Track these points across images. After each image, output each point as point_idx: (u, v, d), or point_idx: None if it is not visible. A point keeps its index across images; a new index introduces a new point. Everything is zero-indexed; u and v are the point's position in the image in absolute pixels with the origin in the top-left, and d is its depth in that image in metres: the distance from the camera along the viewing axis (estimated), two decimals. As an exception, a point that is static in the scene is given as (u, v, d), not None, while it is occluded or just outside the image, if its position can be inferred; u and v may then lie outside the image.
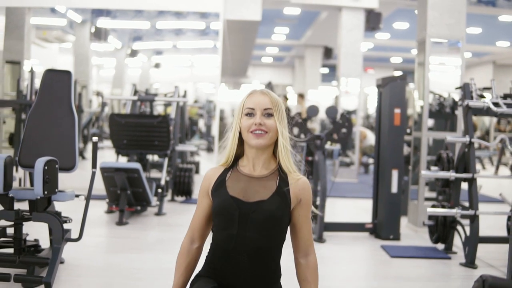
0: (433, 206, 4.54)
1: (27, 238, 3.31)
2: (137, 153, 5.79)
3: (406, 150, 6.58)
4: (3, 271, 2.98)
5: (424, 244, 4.73)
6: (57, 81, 3.43)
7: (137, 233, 4.83)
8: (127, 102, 6.45)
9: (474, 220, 4.11)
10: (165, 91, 7.11)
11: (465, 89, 4.40)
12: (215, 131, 8.99)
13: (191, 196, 6.44)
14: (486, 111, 4.33)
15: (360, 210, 6.47)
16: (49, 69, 3.48)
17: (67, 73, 3.45)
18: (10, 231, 3.20)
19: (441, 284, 3.79)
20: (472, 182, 4.21)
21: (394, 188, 4.91)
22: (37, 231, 3.84)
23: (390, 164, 4.92)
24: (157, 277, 3.50)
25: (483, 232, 4.22)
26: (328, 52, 14.88)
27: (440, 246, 4.62)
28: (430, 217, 4.55)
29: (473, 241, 4.06)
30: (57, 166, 3.10)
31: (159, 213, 5.60)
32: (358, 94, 9.88)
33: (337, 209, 6.51)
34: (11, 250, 3.18)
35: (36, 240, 3.49)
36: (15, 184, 3.36)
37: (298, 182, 1.91)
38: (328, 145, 6.16)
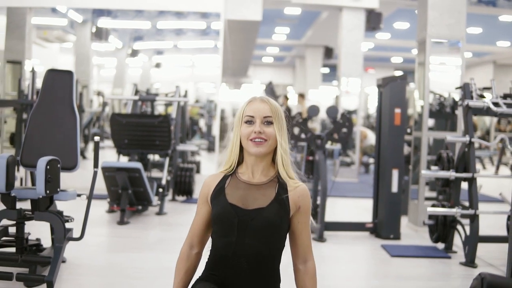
0: (433, 205, 4.55)
1: (29, 237, 3.32)
2: (138, 152, 5.80)
3: (406, 149, 6.60)
4: (5, 270, 2.99)
5: (424, 243, 4.74)
6: (59, 81, 3.45)
7: (138, 233, 4.84)
8: (128, 102, 6.46)
9: (474, 219, 4.12)
10: (166, 91, 7.12)
11: (465, 89, 4.41)
12: (216, 131, 9.01)
13: (192, 196, 6.46)
14: (486, 111, 4.34)
15: (360, 209, 6.48)
16: (51, 69, 3.50)
17: (69, 73, 3.46)
18: (12, 230, 3.22)
19: (441, 283, 3.81)
20: (472, 181, 4.22)
21: (395, 188, 4.92)
22: (38, 231, 3.86)
23: (390, 164, 4.93)
24: (158, 277, 3.51)
25: (483, 231, 4.23)
26: (328, 52, 14.89)
27: (440, 245, 4.63)
28: (430, 217, 4.56)
29: (473, 240, 4.07)
30: (59, 165, 3.12)
31: (160, 212, 5.61)
32: (358, 94, 9.90)
33: (338, 209, 6.52)
34: (13, 249, 3.19)
35: (38, 239, 3.50)
36: (16, 183, 3.37)
37: (297, 189, 1.90)
38: (328, 145, 6.17)
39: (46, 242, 3.56)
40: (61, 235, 3.09)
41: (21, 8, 7.25)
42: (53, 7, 8.28)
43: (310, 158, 5.21)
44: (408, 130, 6.69)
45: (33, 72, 6.12)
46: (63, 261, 3.59)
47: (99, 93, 10.20)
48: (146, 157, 5.97)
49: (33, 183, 4.97)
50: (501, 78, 13.98)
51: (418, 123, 5.61)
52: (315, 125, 11.51)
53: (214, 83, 9.68)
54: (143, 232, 4.93)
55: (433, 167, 4.62)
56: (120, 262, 3.83)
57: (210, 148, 11.03)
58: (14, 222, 3.15)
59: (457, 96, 6.05)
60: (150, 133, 5.70)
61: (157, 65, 11.23)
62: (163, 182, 5.72)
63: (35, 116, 3.42)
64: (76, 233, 3.37)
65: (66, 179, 3.95)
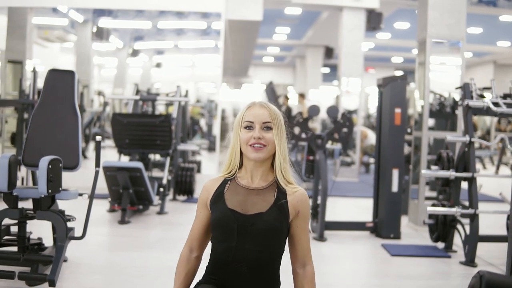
0: (433, 205, 4.55)
1: (31, 237, 3.33)
2: (139, 152, 5.81)
3: (406, 149, 6.60)
4: (7, 269, 3.01)
5: (425, 242, 4.76)
6: (61, 81, 3.46)
7: (139, 232, 4.86)
8: (129, 102, 6.47)
9: (474, 219, 4.13)
10: (167, 90, 7.13)
11: (465, 89, 4.42)
12: (216, 130, 9.02)
13: (192, 195, 6.47)
14: (486, 111, 4.35)
15: (360, 209, 6.49)
16: (53, 69, 3.51)
17: (71, 73, 3.48)
18: (14, 229, 3.23)
19: (441, 282, 3.82)
20: (472, 181, 4.23)
21: (395, 187, 4.93)
22: (40, 230, 3.87)
23: (390, 164, 4.95)
24: (158, 276, 3.53)
25: (483, 231, 4.24)
26: (329, 52, 14.90)
27: (440, 244, 4.64)
28: (430, 216, 4.57)
29: (473, 240, 4.08)
30: (61, 165, 3.13)
31: (161, 212, 5.63)
32: (359, 94, 9.90)
33: (338, 208, 6.53)
34: (15, 248, 3.21)
35: (39, 239, 3.51)
36: (18, 183, 3.38)
37: (296, 194, 1.91)
38: (329, 145, 6.18)
39: (48, 242, 3.57)
40: (63, 234, 3.11)
41: (22, 8, 7.26)
42: (54, 7, 8.29)
43: (311, 157, 5.23)
44: (409, 130, 6.71)
45: (34, 72, 6.14)
46: (65, 260, 3.61)
47: (100, 93, 10.21)
48: (147, 156, 5.98)
49: (35, 183, 4.99)
50: (501, 78, 14.00)
51: (418, 123, 5.62)
52: (315, 125, 11.51)
53: (214, 83, 9.69)
54: (144, 231, 4.94)
55: (433, 167, 4.63)
56: (121, 261, 3.85)
57: (211, 148, 11.05)
58: (16, 221, 3.16)
59: (457, 96, 6.06)
60: (151, 132, 5.71)
61: (158, 65, 11.23)
62: (164, 181, 5.73)
63: (37, 116, 3.43)
64: (77, 232, 3.39)
65: (68, 179, 3.97)
